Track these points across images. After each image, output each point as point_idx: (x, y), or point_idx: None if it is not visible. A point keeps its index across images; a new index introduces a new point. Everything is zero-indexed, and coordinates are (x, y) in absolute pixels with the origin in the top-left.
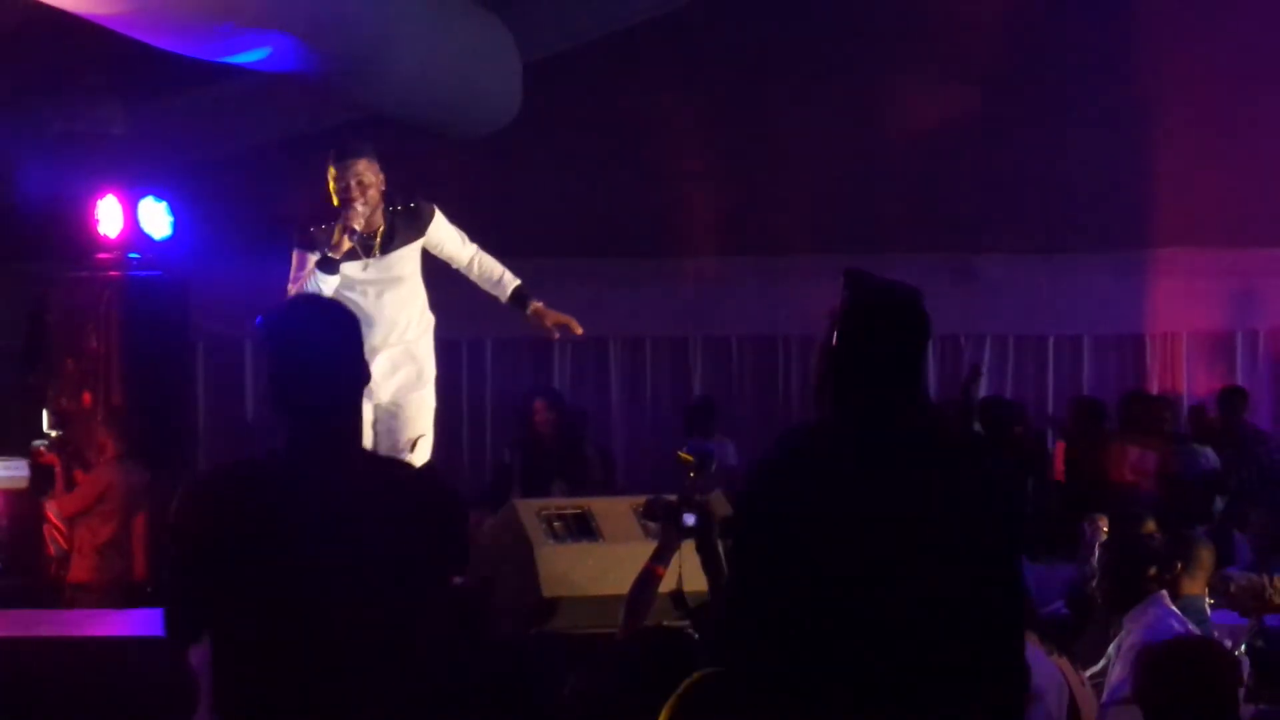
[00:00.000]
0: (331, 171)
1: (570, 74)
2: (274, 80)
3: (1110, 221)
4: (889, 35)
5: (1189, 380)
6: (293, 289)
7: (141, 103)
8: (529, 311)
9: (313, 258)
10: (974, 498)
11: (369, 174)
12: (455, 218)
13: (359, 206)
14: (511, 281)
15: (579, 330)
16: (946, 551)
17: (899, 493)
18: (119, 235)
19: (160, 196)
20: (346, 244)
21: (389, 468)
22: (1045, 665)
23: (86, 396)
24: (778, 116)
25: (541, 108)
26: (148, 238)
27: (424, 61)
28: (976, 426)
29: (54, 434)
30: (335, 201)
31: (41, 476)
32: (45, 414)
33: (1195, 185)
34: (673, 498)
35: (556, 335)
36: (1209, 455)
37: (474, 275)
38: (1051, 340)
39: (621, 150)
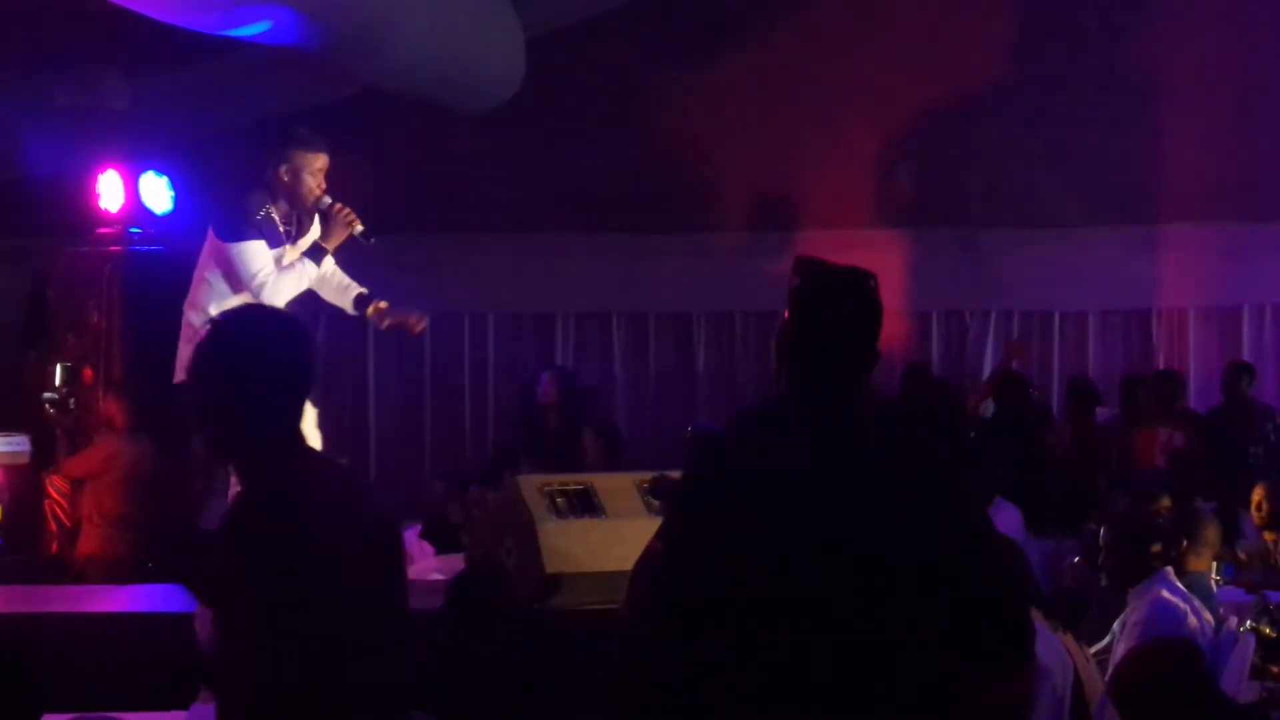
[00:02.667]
0: (315, 161)
1: (573, 47)
2: (275, 54)
3: (1117, 196)
4: (896, 8)
5: (1195, 356)
6: (264, 279)
7: (143, 77)
8: (369, 312)
9: (280, 251)
10: (920, 475)
11: None
12: (458, 193)
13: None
14: (355, 288)
15: (420, 327)
16: (893, 530)
17: (843, 472)
18: (120, 210)
19: (161, 171)
20: (344, 236)
21: (335, 470)
22: (1051, 642)
23: (88, 371)
24: (782, 90)
25: (544, 82)
26: (149, 212)
27: (426, 35)
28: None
29: (64, 390)
30: (309, 186)
31: (43, 447)
32: (59, 370)
33: (1203, 160)
34: (678, 475)
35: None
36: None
37: (329, 284)
38: (1057, 316)
39: (625, 124)
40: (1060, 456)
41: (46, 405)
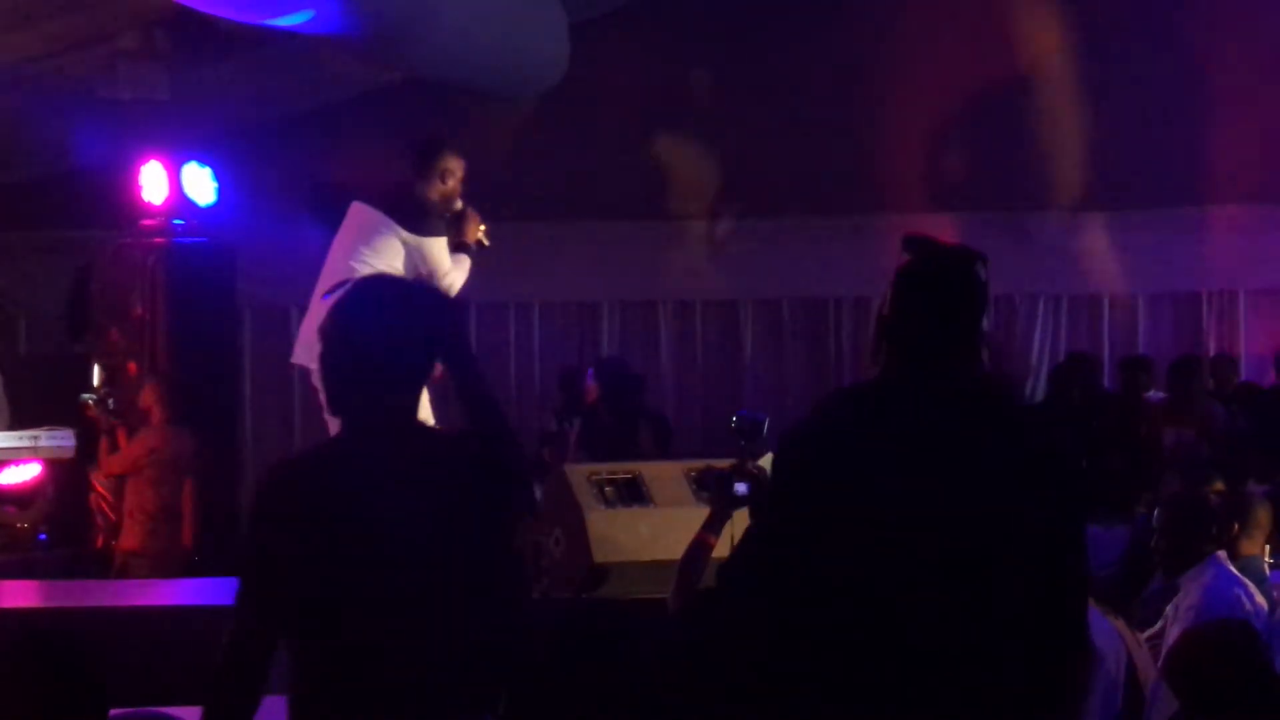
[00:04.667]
0: (461, 166)
1: (619, 33)
2: (318, 44)
3: (1165, 179)
4: None
5: (1246, 339)
6: (454, 276)
7: (186, 68)
8: None
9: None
10: (1023, 467)
11: None
12: (503, 179)
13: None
14: None
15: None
16: (987, 519)
17: (936, 462)
18: (164, 202)
19: (205, 162)
20: (475, 238)
21: (447, 441)
22: (1104, 627)
23: (131, 365)
24: (829, 74)
25: (589, 67)
26: (192, 204)
27: (469, 23)
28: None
29: (103, 390)
30: (447, 189)
31: (87, 441)
32: (96, 369)
33: (1249, 141)
34: (726, 465)
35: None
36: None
37: None
38: (1106, 299)
39: (670, 110)
40: (1111, 440)
41: (86, 403)
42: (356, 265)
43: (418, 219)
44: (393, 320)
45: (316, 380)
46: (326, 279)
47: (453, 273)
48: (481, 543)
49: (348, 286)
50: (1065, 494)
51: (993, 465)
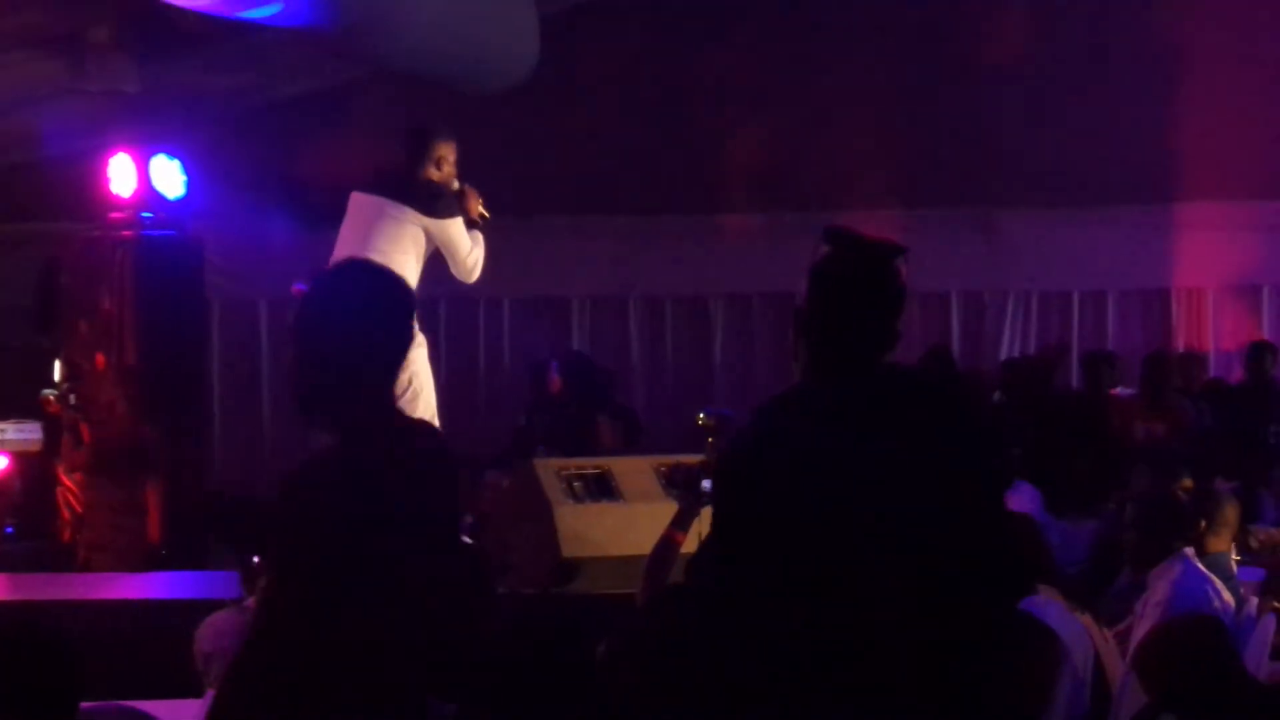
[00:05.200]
0: (453, 149)
1: (588, 27)
2: (288, 36)
3: (1135, 175)
4: None
5: (1215, 335)
6: (477, 255)
7: (155, 61)
8: None
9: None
10: (944, 449)
11: None
12: (473, 174)
13: None
14: None
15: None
16: (921, 506)
17: (865, 455)
18: (132, 194)
19: (173, 155)
20: (475, 213)
21: (413, 435)
22: (1071, 623)
23: (99, 357)
24: (801, 72)
25: (557, 62)
26: (161, 197)
27: (437, 16)
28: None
29: (64, 385)
30: (441, 175)
31: (53, 434)
32: (57, 365)
33: (1221, 138)
34: (694, 462)
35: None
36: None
37: None
38: (1076, 296)
39: (640, 105)
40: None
41: (48, 398)
42: (376, 257)
43: (432, 202)
44: (373, 309)
45: None
46: None
47: (475, 250)
48: (445, 535)
49: (318, 277)
50: (987, 467)
51: (914, 451)
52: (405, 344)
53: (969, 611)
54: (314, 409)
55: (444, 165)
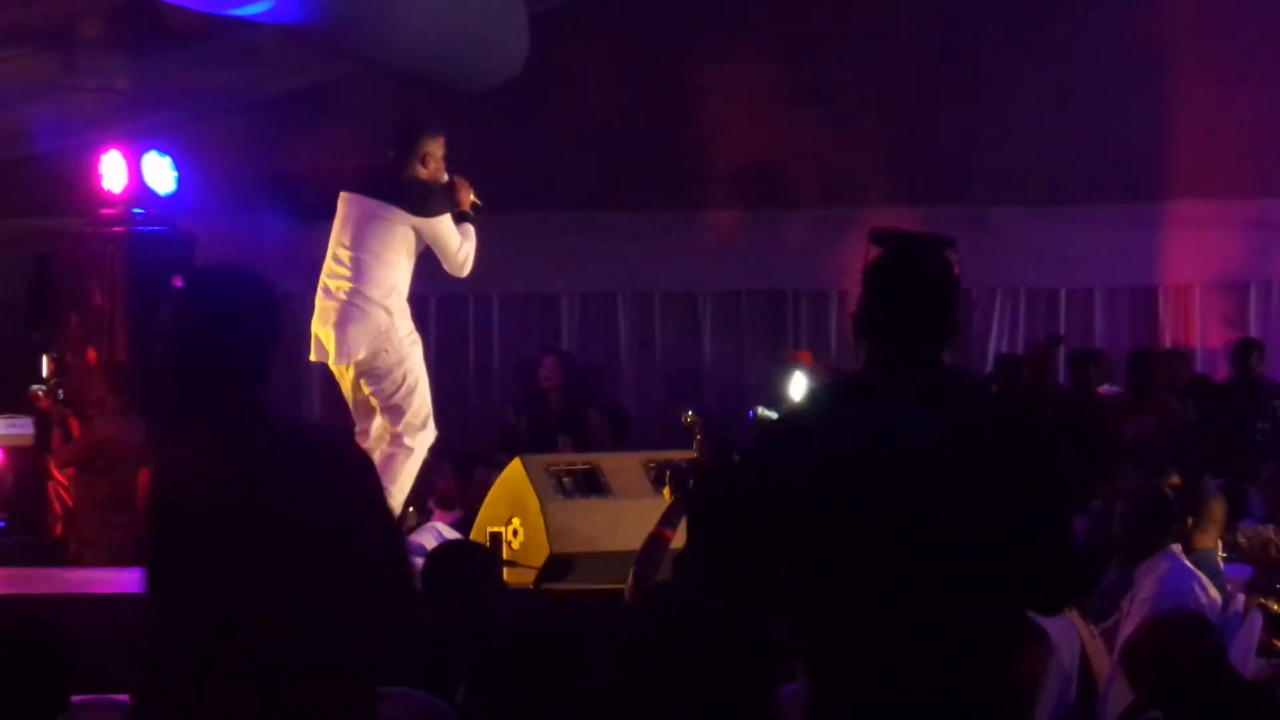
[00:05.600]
0: (441, 145)
1: (577, 25)
2: (279, 33)
3: (1122, 173)
4: None
5: (1202, 332)
6: (467, 250)
7: (146, 56)
8: None
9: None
10: (1003, 448)
11: None
12: (462, 171)
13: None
14: None
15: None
16: (968, 504)
17: (911, 449)
18: (123, 191)
19: (164, 151)
20: (467, 205)
21: (304, 433)
22: (1058, 619)
23: (91, 353)
24: (791, 70)
25: (547, 59)
26: (152, 193)
27: (427, 13)
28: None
29: (54, 381)
30: (429, 171)
31: (45, 430)
32: (45, 360)
33: (1207, 136)
34: (684, 460)
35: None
36: None
37: None
38: (1063, 293)
39: (629, 102)
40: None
41: (38, 395)
42: (367, 258)
43: (420, 201)
44: (244, 309)
45: (339, 374)
46: (335, 276)
47: (464, 245)
48: (342, 533)
49: (189, 277)
50: (1043, 467)
51: (972, 450)
52: (269, 346)
53: (1003, 610)
54: (184, 407)
55: (430, 161)
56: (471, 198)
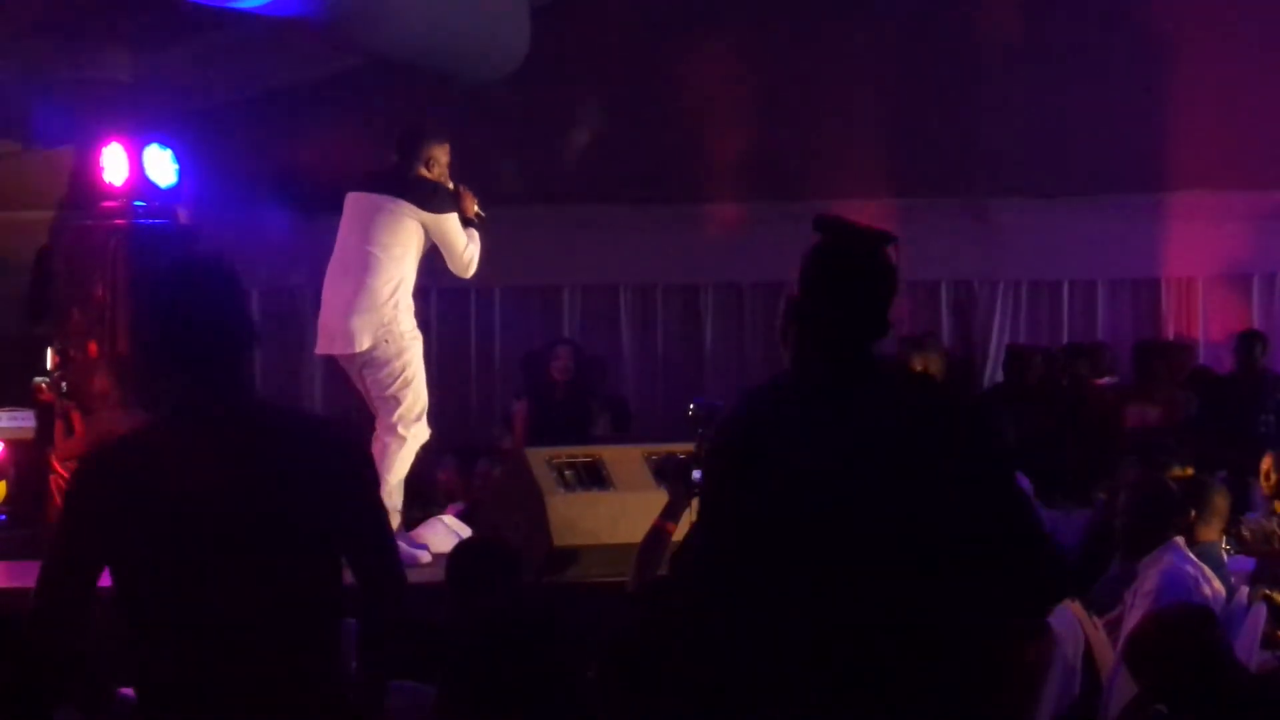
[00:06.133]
0: (446, 150)
1: (578, 16)
2: (280, 26)
3: (1125, 165)
4: None
5: (1205, 324)
6: (473, 249)
7: (147, 50)
8: None
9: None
10: (940, 433)
11: None
12: (464, 164)
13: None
14: None
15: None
16: (909, 487)
17: (852, 441)
18: (125, 183)
19: (166, 144)
20: (470, 213)
21: (285, 419)
22: (1061, 611)
23: (92, 346)
24: (789, 58)
25: (549, 52)
26: (153, 186)
27: (429, 6)
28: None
29: (57, 373)
30: (433, 175)
31: (46, 422)
32: (49, 353)
33: (1211, 127)
34: (684, 453)
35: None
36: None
37: None
38: (1066, 285)
39: (631, 95)
40: (1066, 423)
41: (40, 386)
42: (376, 251)
43: (429, 196)
44: (213, 298)
45: (347, 365)
46: (344, 270)
47: (470, 246)
48: (322, 514)
49: (164, 267)
50: (984, 448)
51: (907, 438)
52: (246, 331)
53: (965, 599)
54: (156, 390)
55: (434, 166)
56: (475, 208)
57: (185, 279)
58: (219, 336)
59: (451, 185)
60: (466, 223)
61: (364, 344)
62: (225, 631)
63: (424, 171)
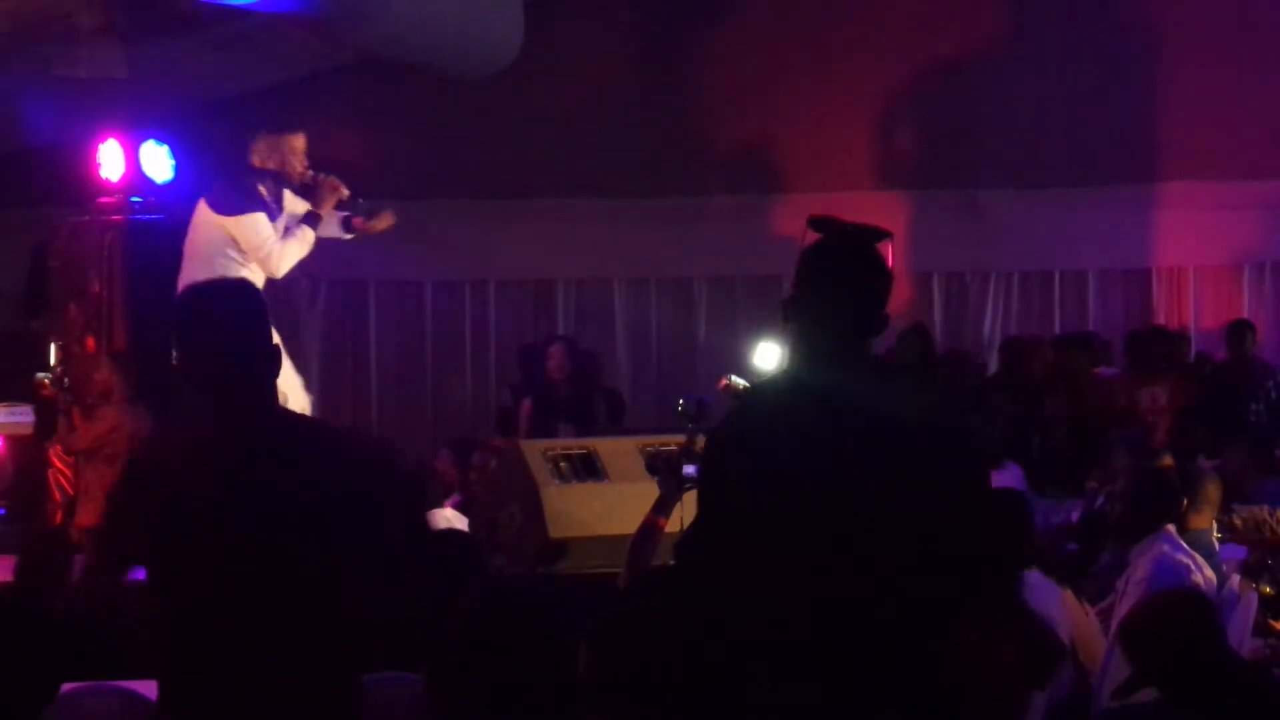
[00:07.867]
0: (295, 142)
1: (572, 11)
2: (275, 22)
3: (1116, 155)
4: None
5: (1196, 314)
6: (270, 247)
7: (143, 45)
8: (358, 227)
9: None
10: (923, 434)
11: None
12: (459, 159)
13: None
14: (340, 215)
15: (390, 221)
16: (903, 485)
17: (844, 437)
18: (121, 179)
19: (162, 140)
20: (334, 202)
21: (313, 432)
22: (1052, 594)
23: (89, 341)
24: (783, 52)
25: (545, 46)
26: (150, 181)
27: (423, 1)
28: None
29: (59, 369)
30: (298, 167)
31: (45, 417)
32: (52, 349)
33: (1201, 118)
34: (674, 447)
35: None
36: None
37: (325, 230)
38: (1058, 276)
39: (624, 89)
40: (1060, 413)
41: (43, 381)
42: (220, 260)
43: (223, 199)
44: (243, 315)
45: None
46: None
47: (272, 246)
48: (350, 534)
49: (190, 295)
50: (964, 446)
51: (895, 437)
52: (272, 351)
53: (954, 590)
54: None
55: (286, 158)
56: (342, 195)
57: (221, 302)
58: (252, 357)
59: (309, 176)
60: (310, 218)
61: None
62: (244, 645)
63: (265, 163)
